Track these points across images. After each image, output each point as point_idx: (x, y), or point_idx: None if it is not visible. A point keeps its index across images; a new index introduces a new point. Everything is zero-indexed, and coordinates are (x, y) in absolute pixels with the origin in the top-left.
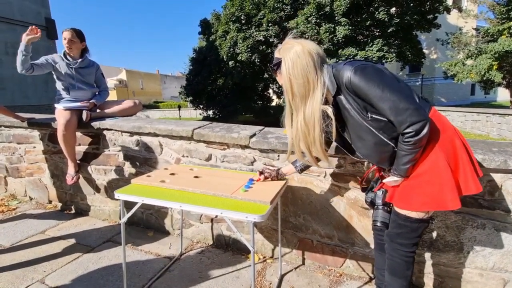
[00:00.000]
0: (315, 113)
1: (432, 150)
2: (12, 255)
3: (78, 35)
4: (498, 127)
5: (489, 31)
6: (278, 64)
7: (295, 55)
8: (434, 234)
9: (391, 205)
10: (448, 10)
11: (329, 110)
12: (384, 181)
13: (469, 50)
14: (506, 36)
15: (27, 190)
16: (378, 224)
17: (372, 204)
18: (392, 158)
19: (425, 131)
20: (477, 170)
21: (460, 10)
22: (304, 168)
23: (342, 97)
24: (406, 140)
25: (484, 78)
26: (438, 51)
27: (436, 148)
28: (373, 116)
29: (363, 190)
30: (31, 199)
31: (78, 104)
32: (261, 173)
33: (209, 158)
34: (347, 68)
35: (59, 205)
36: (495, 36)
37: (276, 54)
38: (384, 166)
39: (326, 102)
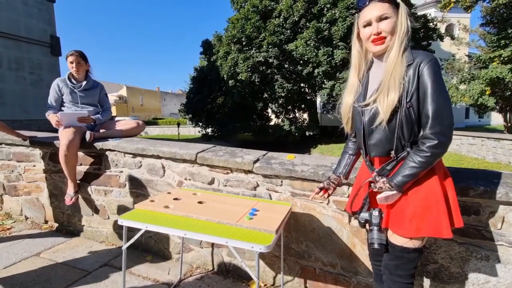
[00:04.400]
0: (397, 59)
1: (432, 178)
2: (4, 279)
3: (83, 57)
4: (493, 151)
5: (481, 57)
6: None
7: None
8: (438, 265)
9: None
10: (441, 38)
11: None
12: (377, 197)
13: (462, 75)
14: (497, 63)
15: (23, 209)
16: (376, 246)
17: (367, 224)
18: (380, 148)
19: (445, 148)
20: (455, 218)
21: (452, 38)
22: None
23: (411, 69)
24: (424, 148)
25: (478, 103)
26: None
27: (436, 177)
28: (411, 104)
29: (353, 213)
30: (26, 218)
31: (76, 112)
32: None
33: (212, 182)
34: (427, 55)
35: (55, 225)
36: (487, 63)
37: None
38: (370, 150)
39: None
